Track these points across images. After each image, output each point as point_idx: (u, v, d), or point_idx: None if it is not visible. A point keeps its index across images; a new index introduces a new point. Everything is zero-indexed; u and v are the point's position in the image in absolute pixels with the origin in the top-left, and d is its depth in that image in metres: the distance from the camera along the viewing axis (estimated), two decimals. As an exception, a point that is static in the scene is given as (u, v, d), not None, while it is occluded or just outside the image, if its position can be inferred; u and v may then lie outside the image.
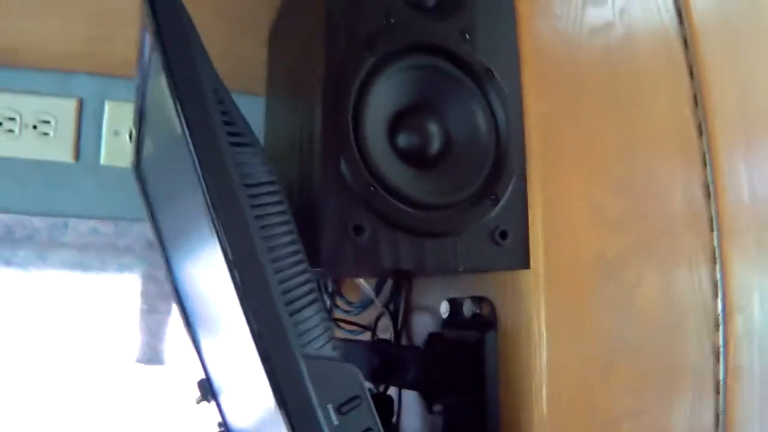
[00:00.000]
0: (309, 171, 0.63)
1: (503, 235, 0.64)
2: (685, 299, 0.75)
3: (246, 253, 0.47)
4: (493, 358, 0.69)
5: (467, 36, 0.66)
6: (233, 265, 0.44)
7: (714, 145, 0.80)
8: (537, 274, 0.65)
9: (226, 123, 0.52)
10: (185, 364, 1.04)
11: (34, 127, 1.00)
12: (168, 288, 1.04)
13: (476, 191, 0.64)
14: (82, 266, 1.01)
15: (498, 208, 0.63)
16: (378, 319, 0.90)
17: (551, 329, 0.64)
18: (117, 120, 1.03)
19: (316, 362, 0.42)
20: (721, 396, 0.73)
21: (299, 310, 0.49)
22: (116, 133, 1.03)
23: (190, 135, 0.48)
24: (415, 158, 0.64)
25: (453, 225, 0.61)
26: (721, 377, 0.75)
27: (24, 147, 1.01)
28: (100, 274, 1.01)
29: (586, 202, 0.69)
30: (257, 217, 0.49)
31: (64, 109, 1.02)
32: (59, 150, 1.02)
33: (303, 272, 0.52)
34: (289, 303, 0.47)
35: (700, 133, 0.81)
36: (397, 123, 0.64)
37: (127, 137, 1.02)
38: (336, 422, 0.40)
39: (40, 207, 1.00)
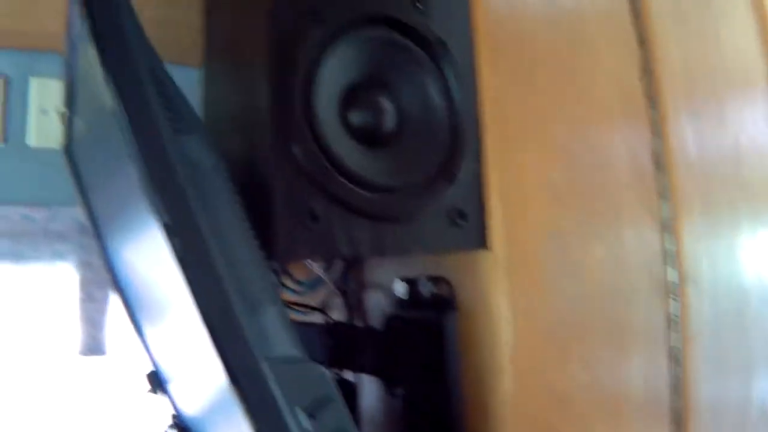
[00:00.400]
0: (256, 151, 0.59)
1: (461, 215, 0.62)
2: (635, 269, 0.75)
3: (196, 251, 0.43)
4: (454, 339, 0.67)
5: (419, 4, 0.63)
6: (183, 264, 0.41)
7: (664, 114, 0.80)
8: (496, 253, 0.64)
9: (167, 109, 0.48)
10: (128, 353, 1.00)
11: (-47, 108, 0.93)
12: (106, 275, 1.00)
13: (432, 171, 0.61)
14: (13, 255, 0.95)
15: (455, 187, 0.62)
16: (328, 299, 0.87)
17: (511, 308, 0.63)
18: (44, 97, 0.97)
19: (281, 366, 0.40)
20: (677, 363, 0.74)
21: (258, 308, 0.46)
22: (44, 112, 0.96)
23: (129, 124, 0.44)
24: (368, 136, 0.61)
25: (411, 207, 0.59)
26: (677, 344, 0.76)
27: (-56, 129, 0.94)
28: (33, 263, 0.96)
29: (539, 178, 0.68)
30: (207, 210, 0.46)
31: (-14, 88, 0.95)
32: (-18, 132, 0.95)
33: (258, 266, 0.50)
34: (247, 302, 0.45)
35: (650, 103, 0.80)
36: (348, 99, 0.61)
37: (56, 116, 0.96)
38: (307, 427, 0.37)
39: (-36, 193, 0.94)
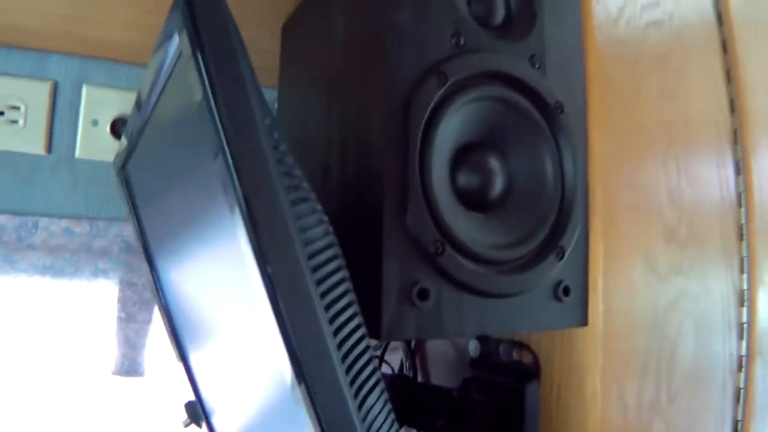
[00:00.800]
0: (363, 214, 0.55)
1: (566, 291, 0.58)
2: (715, 345, 0.73)
3: (311, 340, 0.40)
4: (535, 410, 0.64)
5: (536, 62, 0.59)
6: (296, 353, 0.38)
7: (747, 149, 0.78)
8: (595, 330, 0.60)
9: (285, 174, 0.44)
10: (166, 377, 0.96)
11: (1, 113, 0.88)
12: (147, 295, 0.96)
13: (541, 243, 0.58)
14: (53, 270, 0.90)
15: (561, 262, 0.58)
16: (386, 345, 0.84)
17: (605, 387, 0.60)
18: (95, 107, 0.92)
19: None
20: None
21: (361, 388, 0.43)
22: (95, 123, 0.91)
23: (247, 200, 0.40)
24: (474, 200, 0.57)
25: (520, 283, 0.55)
26: (740, 417, 0.74)
27: (-12, 135, 0.89)
28: (73, 279, 0.91)
29: (640, 252, 0.65)
30: (320, 292, 0.42)
31: (35, 94, 0.89)
32: (29, 140, 0.89)
33: (360, 342, 0.46)
34: (351, 381, 0.42)
35: (734, 138, 0.79)
36: (457, 159, 0.57)
37: (108, 128, 0.91)
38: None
39: (6, 204, 0.89)
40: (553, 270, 0.57)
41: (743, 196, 0.79)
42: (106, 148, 0.91)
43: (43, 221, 0.90)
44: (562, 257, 0.57)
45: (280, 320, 0.39)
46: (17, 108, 0.88)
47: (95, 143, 0.91)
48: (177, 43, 0.45)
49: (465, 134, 0.57)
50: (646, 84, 0.69)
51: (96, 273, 0.92)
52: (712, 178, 0.75)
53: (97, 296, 0.93)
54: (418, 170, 0.51)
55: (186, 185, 0.54)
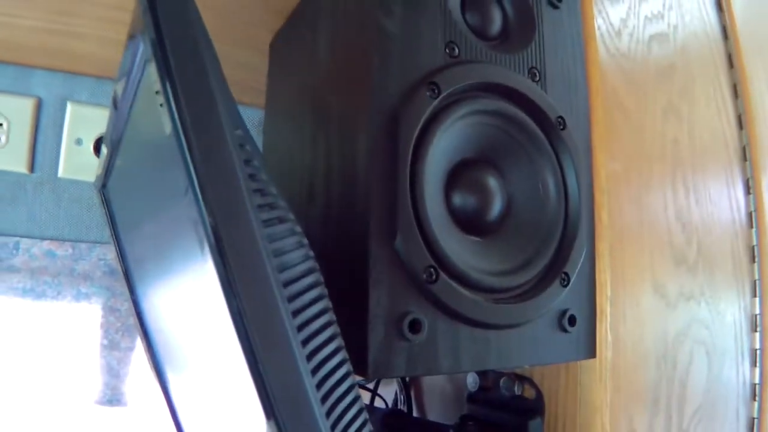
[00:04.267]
0: (347, 237, 0.51)
1: (571, 320, 0.54)
2: (727, 373, 0.69)
3: (285, 379, 0.36)
4: (538, 449, 0.60)
5: (536, 75, 0.56)
6: (268, 394, 0.34)
7: (756, 166, 0.75)
8: (603, 363, 0.56)
9: (256, 190, 0.40)
10: (150, 407, 0.91)
11: (-19, 129, 0.85)
12: (131, 322, 0.92)
13: (543, 268, 0.53)
14: (34, 293, 0.87)
15: (567, 288, 0.54)
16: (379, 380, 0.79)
17: (613, 424, 0.56)
18: (80, 126, 0.88)
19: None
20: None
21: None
22: (78, 142, 0.88)
23: (213, 214, 0.36)
24: (470, 223, 0.53)
25: (522, 313, 0.51)
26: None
27: (-33, 152, 0.85)
28: (54, 302, 0.87)
29: (649, 277, 0.61)
30: (297, 325, 0.38)
31: (18, 110, 0.86)
32: (11, 158, 0.86)
33: (344, 381, 0.42)
34: (332, 425, 0.38)
35: (744, 155, 0.74)
36: (452, 178, 0.53)
37: (92, 147, 0.88)
38: None
39: (-15, 224, 0.85)
40: (558, 298, 0.53)
41: (754, 215, 0.75)
42: (90, 168, 0.87)
43: (25, 242, 0.86)
44: (567, 284, 0.53)
45: (250, 357, 0.35)
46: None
47: (79, 163, 0.88)
48: (142, 47, 0.42)
49: (460, 151, 0.53)
50: (651, 99, 0.65)
51: (78, 297, 0.88)
52: (721, 197, 0.71)
53: (79, 321, 0.89)
54: (408, 190, 0.47)
55: (170, 224, 0.50)
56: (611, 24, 0.62)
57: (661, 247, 0.62)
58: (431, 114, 0.50)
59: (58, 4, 0.75)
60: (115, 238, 0.72)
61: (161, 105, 0.39)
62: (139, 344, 0.90)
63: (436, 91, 0.50)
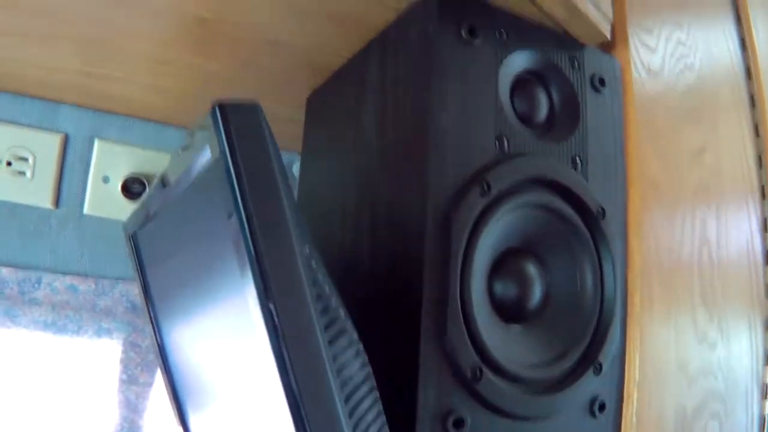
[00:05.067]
0: (391, 327, 0.51)
1: (601, 407, 0.55)
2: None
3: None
4: None
5: (579, 163, 0.57)
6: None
7: None
8: (629, 446, 0.57)
9: (323, 310, 0.41)
10: (167, 441, 0.92)
11: (9, 163, 0.85)
12: (150, 357, 0.93)
13: (578, 358, 0.55)
14: (55, 327, 0.87)
15: (599, 376, 0.55)
16: None
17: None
18: (107, 163, 0.88)
19: None
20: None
21: None
22: (105, 180, 0.88)
23: (280, 339, 0.37)
24: (511, 311, 0.54)
25: (557, 403, 0.53)
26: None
27: (-6, 186, 0.85)
28: (75, 336, 0.88)
29: (672, 360, 0.62)
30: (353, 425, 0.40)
31: (45, 145, 0.86)
32: (37, 193, 0.86)
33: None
34: None
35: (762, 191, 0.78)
36: (495, 268, 0.54)
37: (119, 186, 0.88)
38: None
39: (10, 257, 0.85)
40: (590, 386, 0.54)
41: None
42: (117, 206, 0.88)
43: (47, 276, 0.87)
44: (600, 372, 0.55)
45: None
46: (25, 159, 0.85)
47: (105, 200, 0.88)
48: (209, 155, 0.43)
49: (504, 241, 0.54)
50: (685, 178, 0.66)
51: (99, 332, 0.89)
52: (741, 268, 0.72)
53: (100, 356, 0.89)
54: (458, 289, 0.49)
55: (209, 289, 0.51)
56: (649, 107, 0.64)
57: (686, 326, 0.64)
58: (481, 212, 0.51)
59: (93, 51, 0.75)
60: (142, 278, 0.73)
61: (229, 216, 0.40)
62: (158, 380, 0.91)
63: (487, 188, 0.51)
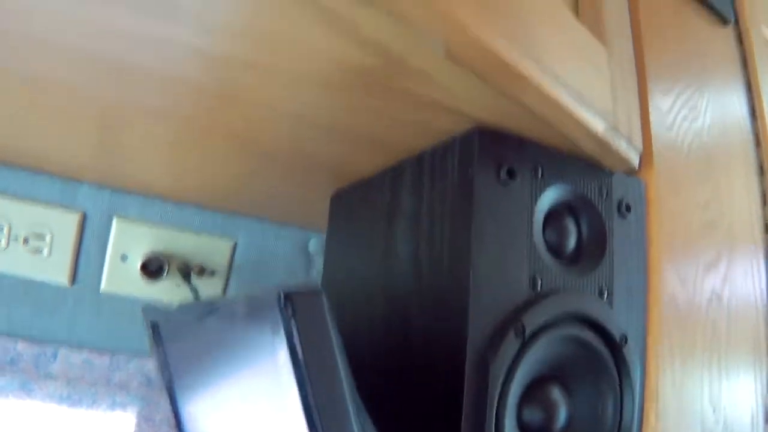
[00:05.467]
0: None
1: None
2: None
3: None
4: None
5: (605, 293, 0.59)
6: None
7: None
8: None
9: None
10: None
11: (26, 240, 0.85)
12: (164, 431, 0.94)
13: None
14: (70, 400, 0.88)
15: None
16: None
17: None
18: (125, 242, 0.89)
19: None
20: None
21: None
22: (123, 258, 0.89)
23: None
24: (536, 435, 0.57)
25: None
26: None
27: (11, 262, 0.85)
28: (90, 410, 0.89)
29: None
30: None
31: (63, 223, 0.87)
32: (53, 270, 0.87)
33: None
34: None
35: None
36: (524, 397, 0.56)
37: (138, 265, 0.89)
38: None
39: (26, 331, 0.86)
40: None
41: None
42: (134, 284, 0.89)
43: (63, 351, 0.87)
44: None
45: None
46: (42, 236, 0.86)
47: (123, 279, 0.89)
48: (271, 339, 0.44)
49: (533, 372, 0.57)
50: (698, 288, 0.69)
51: (113, 406, 0.90)
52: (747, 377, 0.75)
53: (114, 428, 0.90)
54: (493, 426, 0.51)
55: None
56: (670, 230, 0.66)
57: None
58: (516, 353, 0.53)
59: (112, 130, 0.75)
60: (164, 364, 0.73)
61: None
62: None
63: (522, 331, 0.53)
